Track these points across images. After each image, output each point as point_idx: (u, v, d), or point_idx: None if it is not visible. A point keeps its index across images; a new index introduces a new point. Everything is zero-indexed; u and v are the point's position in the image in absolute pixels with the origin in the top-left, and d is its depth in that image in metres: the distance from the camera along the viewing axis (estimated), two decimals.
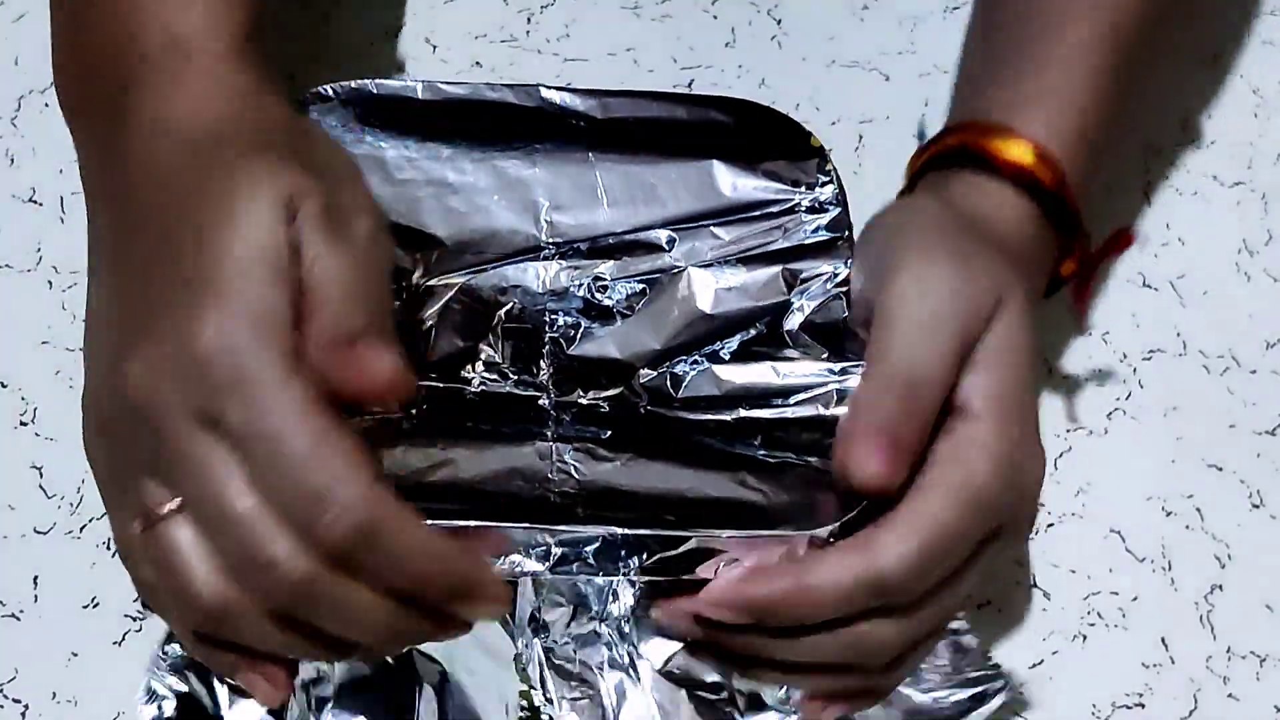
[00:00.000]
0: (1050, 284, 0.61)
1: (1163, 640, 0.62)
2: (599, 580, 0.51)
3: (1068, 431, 0.66)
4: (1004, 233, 0.57)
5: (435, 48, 0.75)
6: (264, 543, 0.47)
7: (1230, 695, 0.61)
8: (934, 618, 0.52)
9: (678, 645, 0.54)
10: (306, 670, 0.53)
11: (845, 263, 0.58)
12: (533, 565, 0.50)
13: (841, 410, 0.54)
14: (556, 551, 0.50)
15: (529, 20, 0.76)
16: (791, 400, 0.55)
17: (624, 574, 0.50)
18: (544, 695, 0.53)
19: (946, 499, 0.50)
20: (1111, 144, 0.62)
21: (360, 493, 0.46)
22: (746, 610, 0.50)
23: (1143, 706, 0.60)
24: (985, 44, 0.64)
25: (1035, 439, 0.53)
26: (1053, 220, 0.58)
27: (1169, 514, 0.65)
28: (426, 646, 0.54)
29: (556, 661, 0.53)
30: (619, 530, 0.50)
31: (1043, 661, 0.61)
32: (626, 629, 0.53)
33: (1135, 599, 0.62)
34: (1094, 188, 0.61)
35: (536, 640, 0.52)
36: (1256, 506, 0.65)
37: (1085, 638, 0.61)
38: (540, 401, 0.54)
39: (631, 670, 0.53)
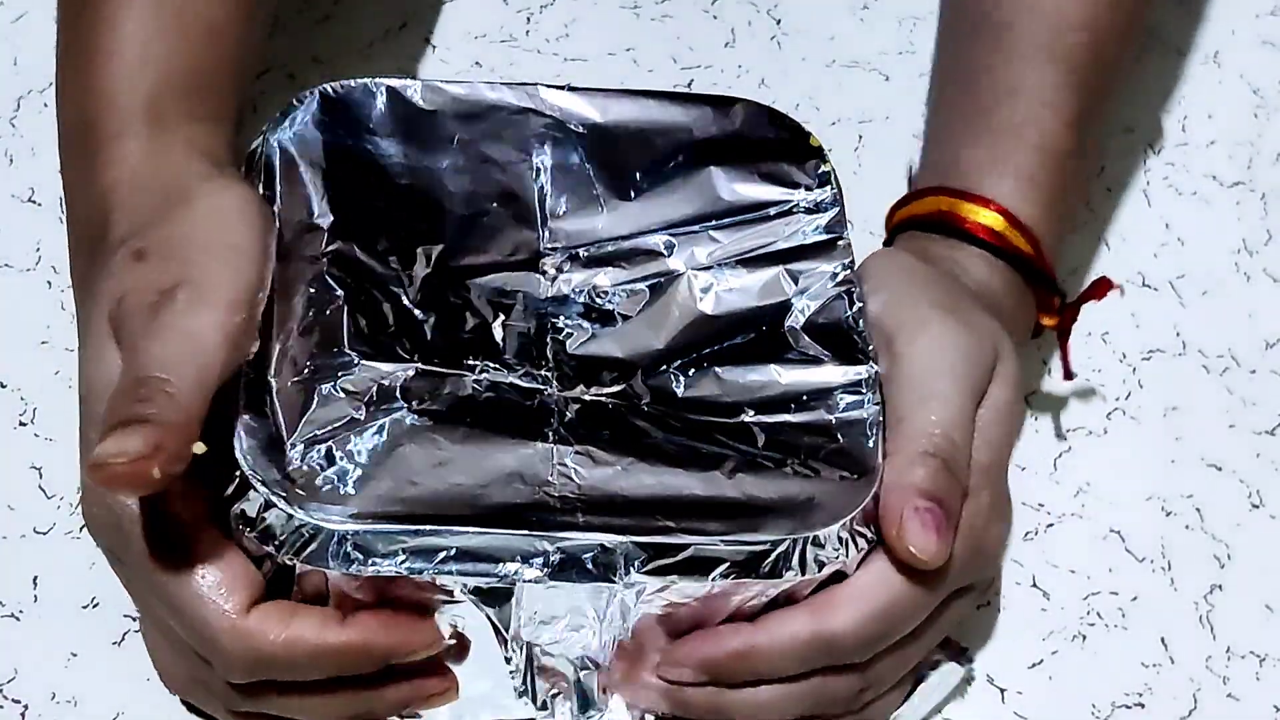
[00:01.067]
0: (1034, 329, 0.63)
1: (1163, 640, 0.62)
2: (595, 590, 0.51)
3: (1068, 431, 0.66)
4: (987, 293, 0.59)
5: (435, 48, 0.75)
6: (190, 664, 0.51)
7: (1230, 695, 0.61)
8: (896, 668, 0.54)
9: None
10: None
11: (845, 263, 0.58)
12: (532, 573, 0.50)
13: (845, 414, 0.54)
14: (555, 559, 0.50)
15: (529, 20, 0.76)
16: (794, 403, 0.55)
17: (623, 581, 0.50)
18: (533, 702, 0.53)
19: (905, 570, 0.51)
20: (1080, 190, 0.65)
21: (231, 635, 0.49)
22: (701, 669, 0.52)
23: (1143, 706, 0.60)
24: (948, 95, 0.65)
25: (1004, 496, 0.55)
26: (1028, 280, 0.60)
27: (1169, 514, 0.65)
28: None
29: (547, 669, 0.52)
30: (617, 538, 0.50)
31: (1043, 661, 0.61)
32: (620, 641, 0.53)
33: (1135, 599, 0.62)
34: (1068, 232, 0.64)
35: (530, 648, 0.52)
36: (1256, 506, 0.65)
37: (1085, 638, 0.61)
38: (542, 398, 0.54)
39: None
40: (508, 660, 0.52)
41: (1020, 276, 0.60)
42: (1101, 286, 0.61)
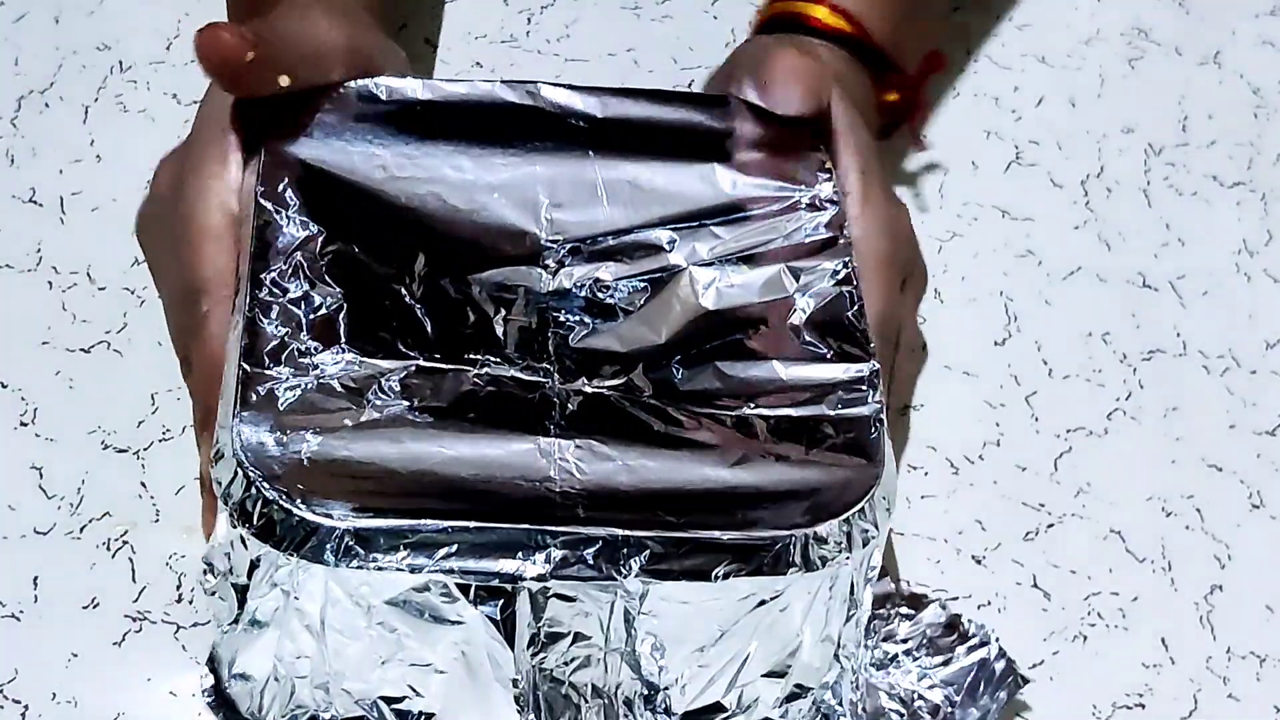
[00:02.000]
0: (886, 127, 0.70)
1: (1163, 640, 0.62)
2: (600, 602, 0.51)
3: (1068, 431, 0.66)
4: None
5: (435, 48, 0.75)
6: None
7: (1230, 695, 0.61)
8: None
9: (672, 675, 0.53)
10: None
11: (846, 260, 0.58)
12: (534, 569, 0.50)
13: (847, 410, 0.54)
14: (557, 554, 0.50)
15: (529, 20, 0.76)
16: (795, 397, 0.55)
17: (625, 578, 0.50)
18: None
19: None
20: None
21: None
22: None
23: (1143, 707, 0.60)
24: None
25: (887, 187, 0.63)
26: (864, 61, 0.67)
27: (1169, 514, 0.65)
28: (420, 685, 0.53)
29: (556, 700, 0.52)
30: (619, 531, 0.50)
31: (1043, 661, 0.61)
32: (623, 660, 0.52)
33: (1135, 599, 0.62)
34: (917, 25, 0.71)
35: (536, 673, 0.52)
36: (1256, 507, 0.65)
37: (1085, 638, 0.61)
38: (544, 391, 0.54)
39: (627, 708, 0.53)
40: (515, 683, 0.52)
41: (853, 57, 0.67)
42: (934, 61, 0.70)
